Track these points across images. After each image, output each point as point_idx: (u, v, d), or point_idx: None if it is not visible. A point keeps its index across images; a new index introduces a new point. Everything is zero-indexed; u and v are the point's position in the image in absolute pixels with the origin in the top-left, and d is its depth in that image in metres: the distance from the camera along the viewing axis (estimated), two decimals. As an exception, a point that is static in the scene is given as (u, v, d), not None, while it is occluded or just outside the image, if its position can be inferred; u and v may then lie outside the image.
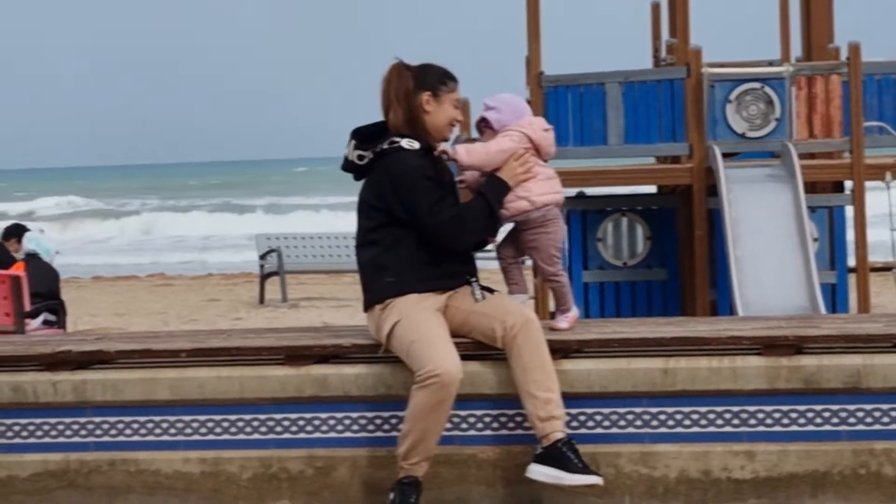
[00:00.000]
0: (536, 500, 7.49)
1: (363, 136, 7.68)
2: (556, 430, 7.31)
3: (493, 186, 7.68)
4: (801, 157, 15.18)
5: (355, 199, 7.73)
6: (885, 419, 7.32)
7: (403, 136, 7.58)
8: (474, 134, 8.14)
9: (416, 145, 7.58)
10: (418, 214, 7.53)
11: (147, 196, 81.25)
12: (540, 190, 7.73)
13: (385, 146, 7.59)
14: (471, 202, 7.71)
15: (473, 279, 7.73)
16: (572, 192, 15.92)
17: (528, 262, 8.26)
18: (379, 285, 7.68)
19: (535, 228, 7.80)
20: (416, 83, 7.63)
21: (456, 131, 7.97)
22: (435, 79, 7.67)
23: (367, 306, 7.76)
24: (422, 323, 7.51)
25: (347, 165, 7.73)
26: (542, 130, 7.84)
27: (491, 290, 7.76)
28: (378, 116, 7.76)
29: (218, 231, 54.58)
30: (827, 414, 7.38)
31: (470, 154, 7.67)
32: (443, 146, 7.74)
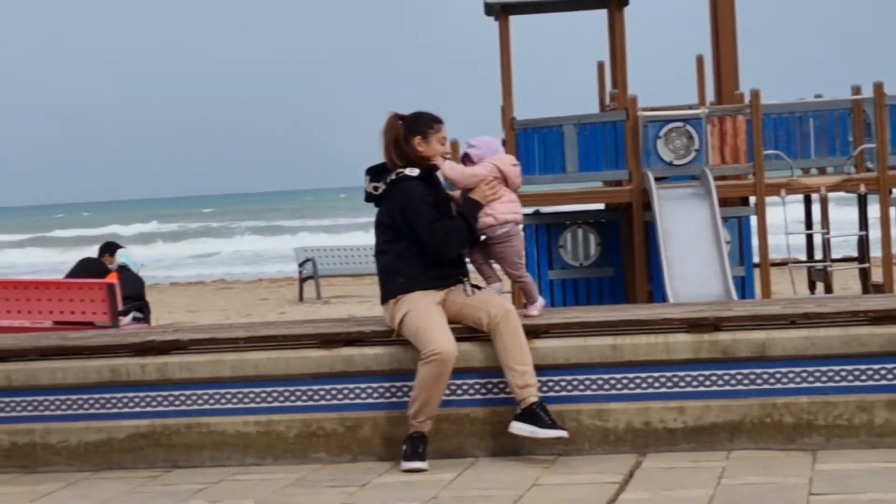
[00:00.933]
0: (517, 449, 7.49)
1: (375, 171, 7.72)
2: (531, 395, 7.34)
3: (468, 205, 7.74)
4: (715, 179, 15.20)
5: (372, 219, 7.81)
6: (785, 380, 7.34)
7: (406, 167, 7.61)
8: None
9: (416, 171, 7.61)
10: (419, 232, 7.57)
11: (209, 220, 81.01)
12: (503, 209, 7.79)
13: (393, 177, 7.61)
14: (455, 220, 7.74)
15: (465, 279, 7.76)
16: (533, 209, 16.00)
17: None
18: (392, 285, 7.70)
19: (500, 243, 7.84)
20: (409, 130, 7.67)
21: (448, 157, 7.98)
22: (424, 124, 7.71)
23: (383, 301, 7.77)
24: (425, 313, 7.53)
25: (367, 197, 7.78)
26: (510, 164, 7.89)
27: (479, 287, 7.79)
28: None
29: (267, 246, 54.50)
30: (739, 377, 7.39)
31: (451, 170, 7.77)
32: (438, 162, 7.78)
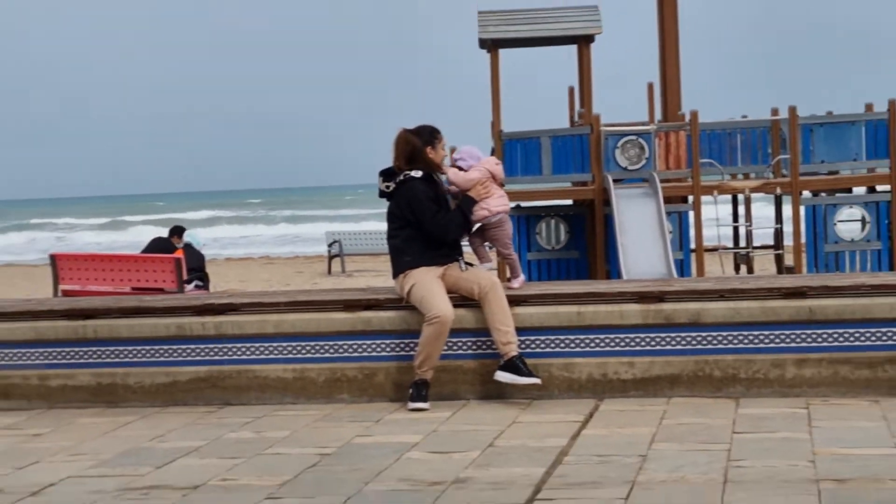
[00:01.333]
0: (501, 393, 7.50)
1: (386, 173, 7.74)
2: (512, 350, 7.36)
3: (465, 201, 7.77)
4: (661, 181, 15.20)
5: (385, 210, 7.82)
6: (714, 342, 7.35)
7: (411, 170, 7.63)
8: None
9: (419, 173, 7.63)
10: (423, 222, 7.58)
11: (257, 209, 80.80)
12: (495, 203, 7.83)
13: (401, 178, 7.63)
14: (453, 213, 7.76)
15: (460, 257, 7.77)
16: (515, 204, 16.00)
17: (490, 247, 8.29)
18: (401, 262, 7.71)
19: (494, 229, 7.88)
20: (422, 142, 7.70)
21: (448, 160, 8.03)
22: (431, 136, 7.74)
23: (394, 275, 7.78)
24: (428, 285, 7.54)
25: (381, 193, 7.80)
26: (495, 165, 8.02)
27: (471, 265, 7.81)
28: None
29: (302, 231, 54.49)
30: (678, 339, 7.40)
31: (455, 176, 7.82)
32: (444, 168, 7.86)
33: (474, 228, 7.94)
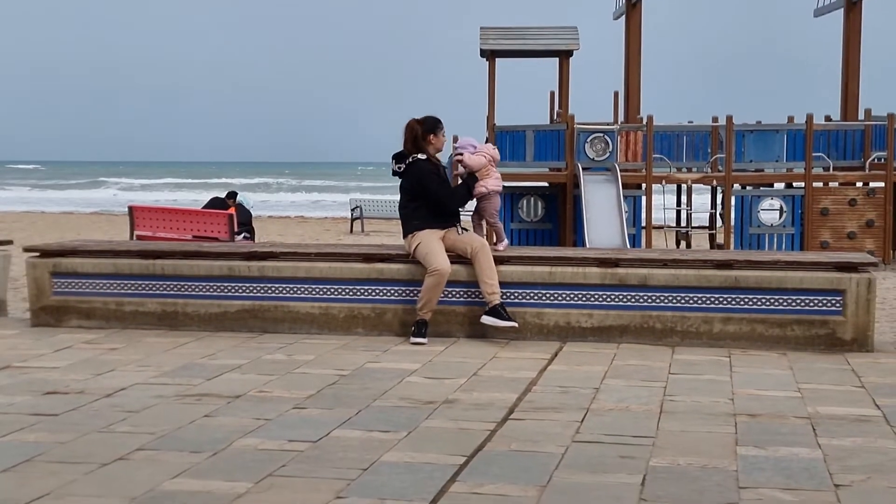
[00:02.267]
0: (484, 334, 7.50)
1: (398, 156, 7.70)
2: (496, 299, 7.35)
3: (470, 179, 7.73)
4: (621, 171, 15.17)
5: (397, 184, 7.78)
6: (657, 300, 7.34)
7: (418, 153, 7.59)
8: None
9: (424, 156, 7.59)
10: (431, 192, 7.55)
11: (288, 178, 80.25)
12: (492, 183, 7.81)
13: (410, 160, 7.60)
14: (459, 186, 7.75)
15: (458, 223, 7.75)
16: (509, 184, 15.98)
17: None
18: (410, 226, 7.69)
19: (485, 201, 7.87)
20: (425, 130, 7.64)
21: (448, 147, 7.99)
22: (434, 126, 7.68)
23: (404, 235, 7.75)
24: (431, 244, 7.52)
25: (394, 172, 7.75)
26: (493, 150, 7.94)
27: (466, 230, 7.79)
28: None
29: (332, 197, 54.28)
30: (629, 297, 7.39)
31: (470, 160, 7.77)
32: (457, 157, 7.85)
33: (474, 208, 7.97)
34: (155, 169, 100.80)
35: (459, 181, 7.91)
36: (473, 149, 7.90)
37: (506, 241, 8.02)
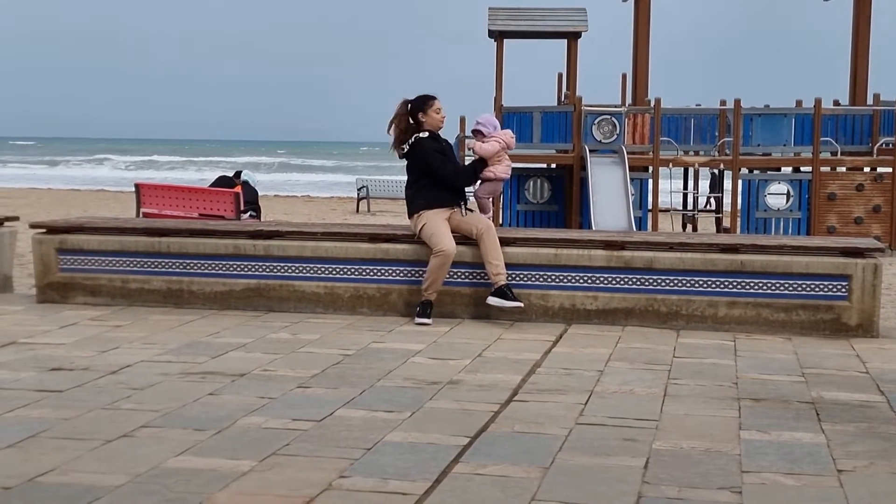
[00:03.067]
0: (490, 315, 7.50)
1: (401, 138, 7.69)
2: (501, 280, 7.34)
3: (480, 162, 7.79)
4: (628, 153, 15.14)
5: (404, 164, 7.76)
6: (663, 283, 7.33)
7: (419, 132, 7.56)
8: (468, 132, 8.15)
9: (426, 134, 7.57)
10: (434, 170, 7.54)
11: (292, 157, 79.92)
12: (501, 169, 7.86)
13: (413, 140, 7.58)
14: (467, 166, 7.81)
15: (463, 203, 7.73)
16: (516, 165, 15.99)
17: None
18: (415, 205, 7.68)
19: (489, 182, 7.90)
20: (414, 109, 7.61)
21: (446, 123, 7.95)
22: (422, 103, 7.65)
23: (409, 215, 7.75)
24: (436, 224, 7.51)
25: (400, 155, 7.74)
26: (510, 137, 7.97)
27: (471, 210, 7.78)
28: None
29: (337, 177, 54.17)
30: (634, 279, 7.39)
31: (480, 149, 7.79)
32: (468, 143, 7.85)
33: (477, 183, 7.97)
34: (155, 146, 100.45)
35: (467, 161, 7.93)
36: (494, 129, 7.89)
37: (490, 215, 8.07)
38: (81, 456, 4.21)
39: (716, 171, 16.54)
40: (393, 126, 7.66)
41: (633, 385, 5.54)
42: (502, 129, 8.05)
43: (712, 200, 17.16)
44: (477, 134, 7.95)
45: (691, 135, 16.23)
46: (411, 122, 7.64)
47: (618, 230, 11.87)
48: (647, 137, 15.64)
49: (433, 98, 7.72)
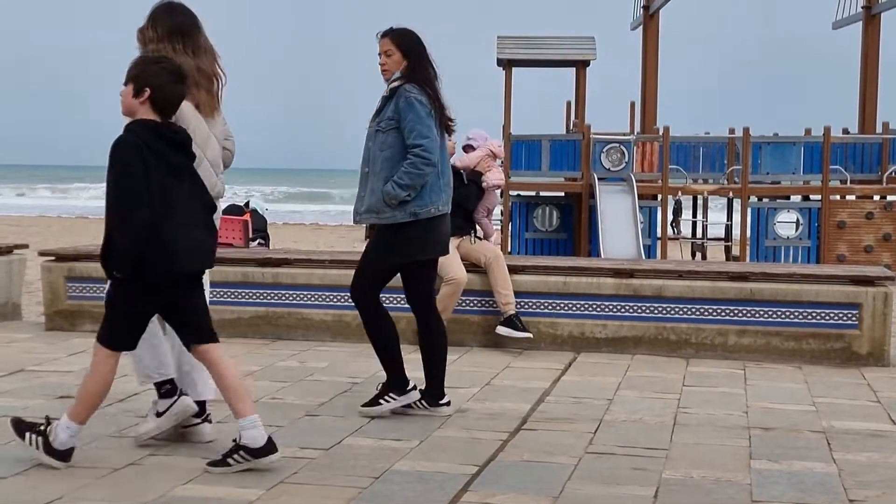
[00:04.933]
0: (498, 343, 7.48)
1: None
2: (510, 309, 7.34)
3: (473, 176, 7.74)
4: (637, 181, 15.16)
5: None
6: (672, 312, 7.32)
7: None
8: (460, 153, 8.09)
9: None
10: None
11: (303, 187, 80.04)
12: (492, 177, 7.83)
13: None
14: (469, 185, 7.70)
15: (473, 231, 7.72)
16: (516, 193, 16.02)
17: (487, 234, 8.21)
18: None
19: (483, 196, 7.86)
20: None
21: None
22: None
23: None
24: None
25: None
26: (497, 146, 7.99)
27: (480, 238, 7.77)
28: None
29: (346, 207, 54.09)
30: (643, 308, 7.38)
31: (460, 161, 7.72)
32: (452, 160, 7.72)
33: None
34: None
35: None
36: (484, 140, 7.92)
37: (494, 237, 8.04)
38: (89, 484, 4.21)
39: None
40: None
41: (643, 414, 5.52)
42: (499, 145, 8.12)
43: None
44: (468, 149, 7.96)
45: (700, 163, 16.25)
46: None
47: (627, 258, 11.86)
48: (655, 165, 15.66)
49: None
